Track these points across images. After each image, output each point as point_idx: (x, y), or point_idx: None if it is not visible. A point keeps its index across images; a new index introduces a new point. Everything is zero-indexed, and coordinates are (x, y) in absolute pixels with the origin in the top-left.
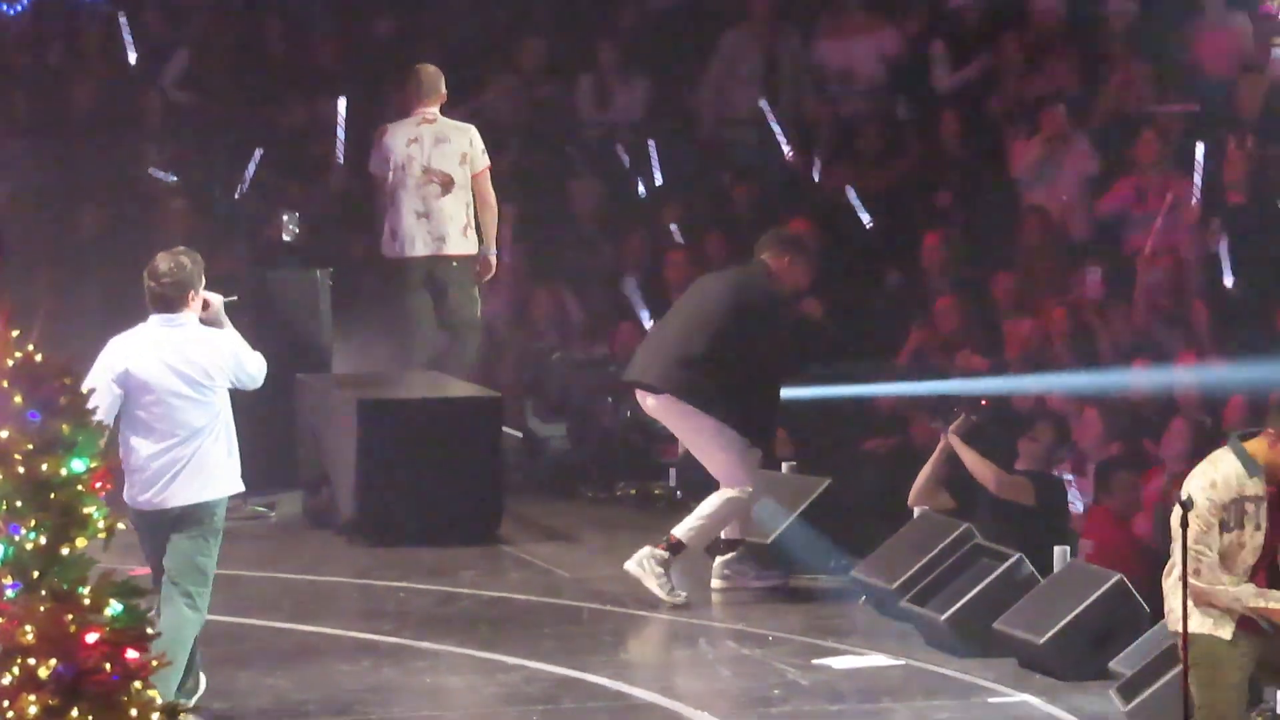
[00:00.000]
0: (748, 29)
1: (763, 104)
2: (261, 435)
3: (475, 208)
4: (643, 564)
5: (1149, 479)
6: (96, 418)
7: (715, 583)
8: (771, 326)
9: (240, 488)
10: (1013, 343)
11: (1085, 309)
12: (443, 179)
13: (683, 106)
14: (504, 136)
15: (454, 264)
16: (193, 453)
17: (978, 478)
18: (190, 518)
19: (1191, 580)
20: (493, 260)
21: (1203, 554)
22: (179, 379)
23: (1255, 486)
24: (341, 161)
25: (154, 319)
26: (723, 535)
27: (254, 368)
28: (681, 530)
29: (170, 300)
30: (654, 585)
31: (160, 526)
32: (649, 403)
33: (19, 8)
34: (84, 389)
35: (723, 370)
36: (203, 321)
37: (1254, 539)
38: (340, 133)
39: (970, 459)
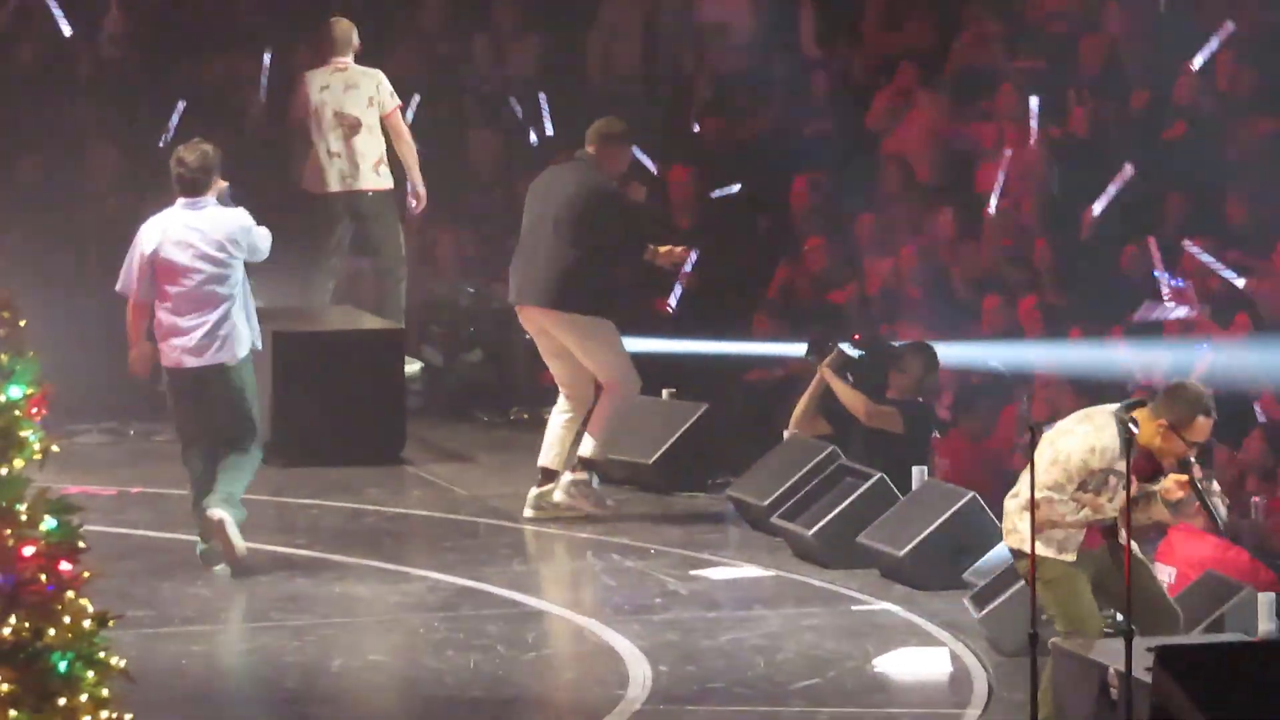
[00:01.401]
0: None
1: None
2: None
3: (392, 145)
4: (569, 493)
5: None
6: (139, 297)
7: (557, 496)
8: (612, 212)
9: (260, 346)
10: (873, 280)
11: (938, 248)
12: (351, 122)
13: (572, 63)
14: (406, 91)
15: (369, 195)
16: (220, 319)
17: (849, 408)
18: (224, 377)
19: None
20: (422, 191)
21: (1052, 498)
22: (204, 254)
23: (1123, 465)
24: (263, 107)
25: (179, 203)
26: (578, 454)
27: (264, 242)
28: (586, 449)
29: (196, 184)
30: (589, 507)
31: (197, 387)
32: (538, 320)
33: None
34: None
35: (590, 267)
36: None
37: (1105, 510)
38: (264, 82)
39: (842, 391)
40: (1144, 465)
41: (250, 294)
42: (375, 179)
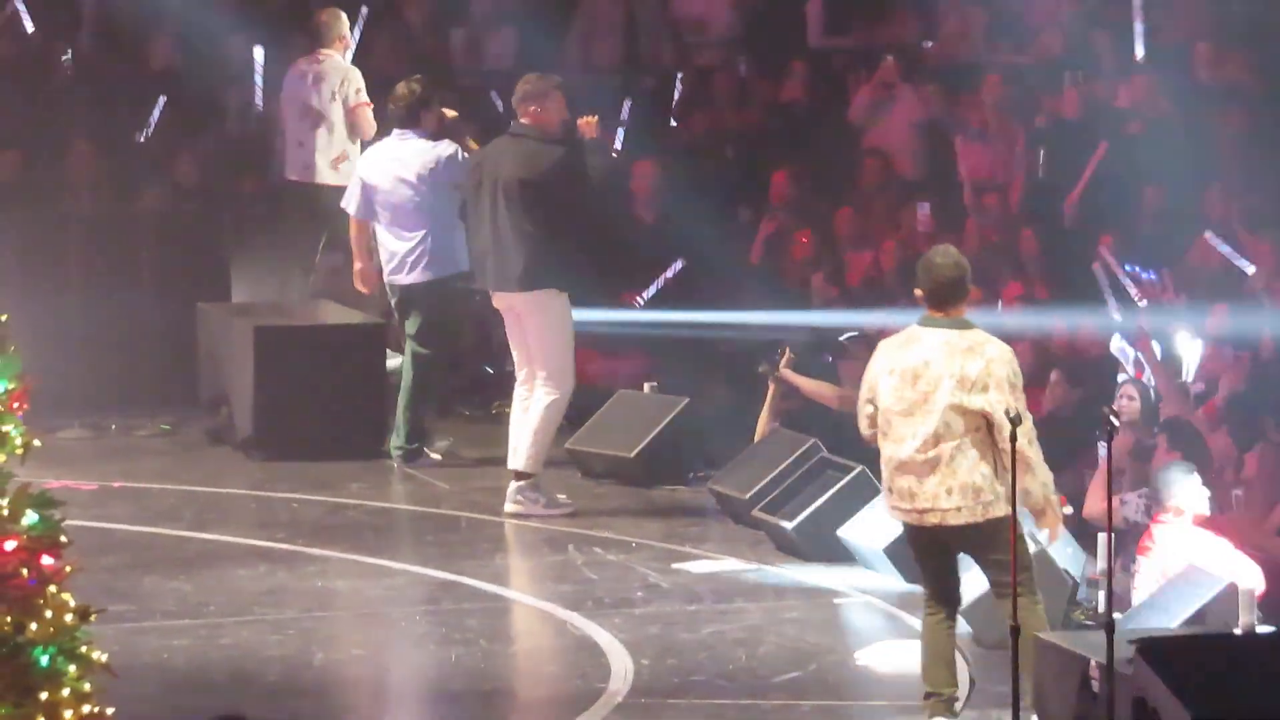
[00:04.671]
0: None
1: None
2: (165, 360)
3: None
4: (516, 500)
5: None
6: (351, 212)
7: (507, 506)
8: (568, 175)
9: (463, 267)
10: (855, 272)
11: (917, 241)
12: (315, 114)
13: (551, 56)
14: (389, 86)
15: (326, 190)
16: (419, 240)
17: (818, 399)
18: (422, 295)
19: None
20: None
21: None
22: (404, 181)
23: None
24: (260, 105)
25: (394, 133)
26: (513, 466)
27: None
28: (520, 460)
29: (403, 118)
30: (540, 511)
31: (402, 300)
32: (511, 304)
33: None
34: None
35: (554, 240)
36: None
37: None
38: (258, 79)
39: (807, 385)
40: None
41: (451, 221)
42: (333, 175)
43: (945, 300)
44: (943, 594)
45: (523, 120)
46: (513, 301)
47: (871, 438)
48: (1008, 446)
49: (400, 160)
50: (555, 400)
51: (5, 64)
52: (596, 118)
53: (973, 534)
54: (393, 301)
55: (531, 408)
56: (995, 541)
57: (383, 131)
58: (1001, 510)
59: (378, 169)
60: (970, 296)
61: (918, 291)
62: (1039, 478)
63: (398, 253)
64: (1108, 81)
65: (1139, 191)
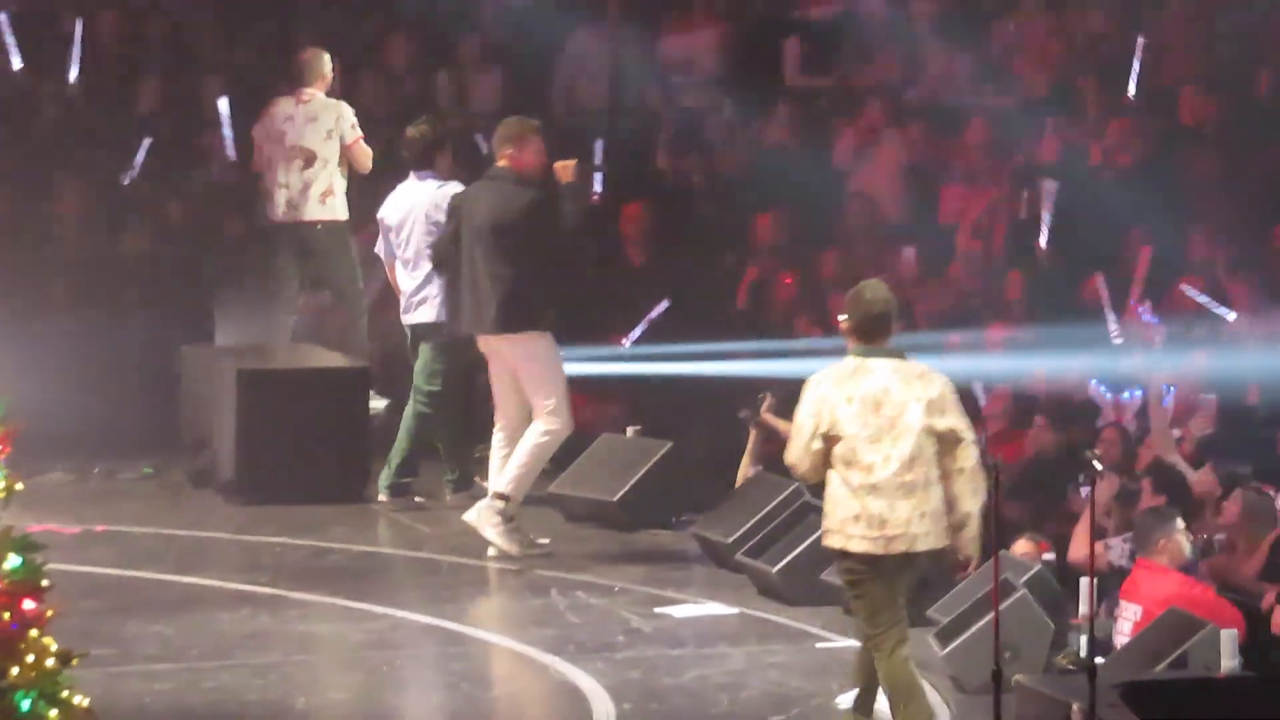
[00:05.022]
0: (595, 26)
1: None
2: (148, 402)
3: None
4: (493, 523)
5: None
6: (381, 256)
7: (470, 515)
8: (539, 220)
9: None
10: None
11: (902, 284)
12: (306, 154)
13: (536, 98)
14: (375, 127)
15: (317, 228)
16: (424, 279)
17: None
18: (428, 334)
19: None
20: None
21: None
22: (416, 221)
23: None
24: (231, 154)
25: (411, 175)
26: (495, 487)
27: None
28: (502, 482)
29: (417, 160)
30: (496, 532)
31: (411, 339)
32: (492, 344)
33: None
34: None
35: (532, 282)
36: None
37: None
38: (227, 131)
39: (788, 429)
40: None
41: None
42: (321, 209)
43: (873, 333)
44: (895, 620)
45: (500, 163)
46: (495, 345)
47: (811, 472)
48: (957, 468)
49: (414, 201)
50: (552, 431)
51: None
52: (574, 161)
53: (927, 558)
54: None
55: (528, 434)
56: (924, 565)
57: (394, 171)
58: (948, 537)
59: (394, 210)
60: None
61: (844, 324)
62: (981, 500)
63: (407, 291)
64: (1091, 125)
65: (1123, 234)
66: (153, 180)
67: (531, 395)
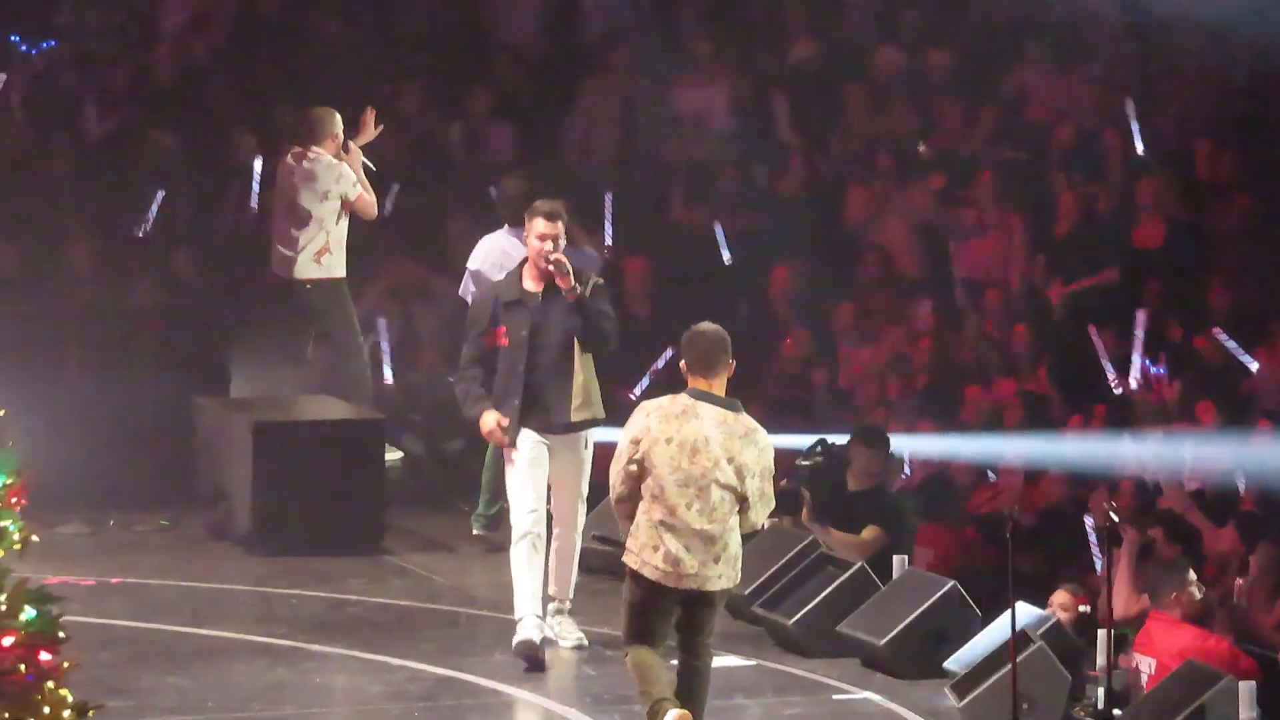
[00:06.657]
0: (606, 77)
1: None
2: (163, 454)
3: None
4: (557, 631)
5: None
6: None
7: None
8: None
9: None
10: (849, 370)
11: (919, 337)
12: (302, 214)
13: (549, 150)
14: (385, 177)
15: (308, 287)
16: None
17: (851, 556)
18: None
19: None
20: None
21: None
22: (503, 270)
23: None
24: (255, 208)
25: (504, 228)
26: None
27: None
28: (563, 589)
29: (513, 215)
30: (576, 639)
31: None
32: (554, 446)
33: (44, 46)
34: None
35: (584, 370)
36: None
37: None
38: (255, 185)
39: (834, 540)
40: None
41: None
42: (315, 269)
43: (709, 368)
44: (660, 639)
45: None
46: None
47: (626, 494)
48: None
49: (506, 254)
50: (578, 536)
51: (3, 157)
52: (561, 257)
53: (719, 598)
54: None
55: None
56: (721, 606)
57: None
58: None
59: (486, 259)
60: (730, 369)
61: (682, 364)
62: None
63: None
64: (1110, 179)
65: (1139, 286)
66: (166, 232)
67: (572, 495)
